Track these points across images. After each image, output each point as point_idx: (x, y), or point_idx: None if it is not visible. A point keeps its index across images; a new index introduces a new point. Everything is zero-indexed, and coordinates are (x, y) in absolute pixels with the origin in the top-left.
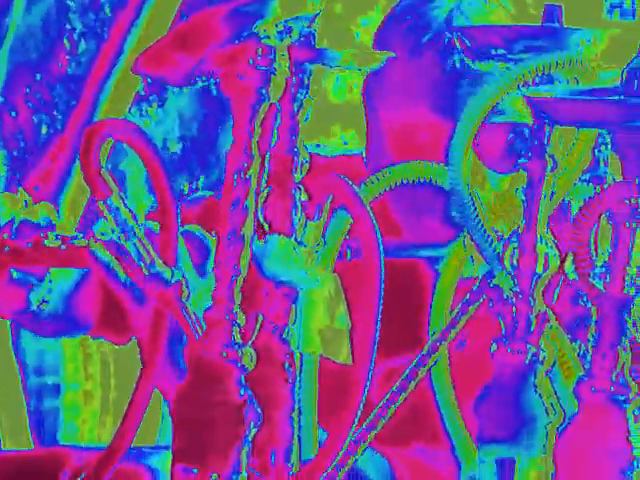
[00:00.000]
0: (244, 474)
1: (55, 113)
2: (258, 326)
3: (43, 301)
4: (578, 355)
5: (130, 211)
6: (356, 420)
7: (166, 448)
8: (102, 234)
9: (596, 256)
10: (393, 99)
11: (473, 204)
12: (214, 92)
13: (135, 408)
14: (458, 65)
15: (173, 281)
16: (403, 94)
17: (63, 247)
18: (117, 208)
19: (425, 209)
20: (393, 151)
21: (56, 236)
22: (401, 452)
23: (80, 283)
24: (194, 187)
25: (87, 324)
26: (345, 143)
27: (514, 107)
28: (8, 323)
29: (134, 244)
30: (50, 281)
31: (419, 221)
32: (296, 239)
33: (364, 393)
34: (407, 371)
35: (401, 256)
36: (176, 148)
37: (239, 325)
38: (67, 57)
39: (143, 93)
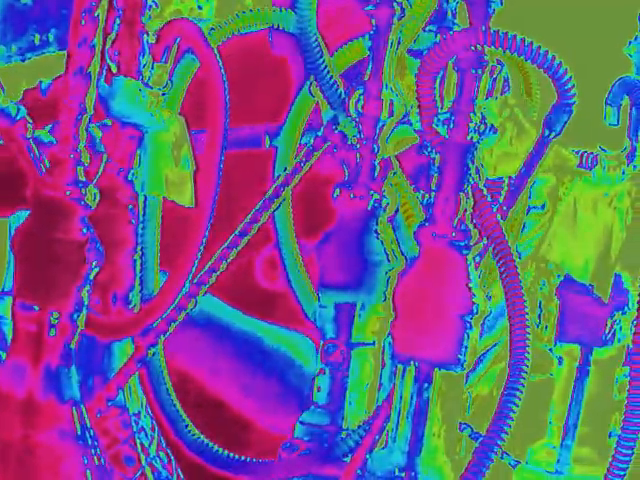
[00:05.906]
0: (84, 313)
1: None
2: (103, 166)
3: None
4: (421, 204)
5: None
6: (196, 262)
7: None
8: None
9: (441, 103)
10: None
11: (319, 48)
12: None
13: None
14: None
15: (18, 117)
16: None
17: None
18: None
19: None
20: None
21: None
22: None
23: None
24: (44, 38)
25: None
26: (199, 7)
27: None
28: None
29: None
30: None
31: None
32: (142, 81)
33: (205, 235)
34: (250, 214)
35: None
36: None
37: (83, 164)
38: None
39: None
